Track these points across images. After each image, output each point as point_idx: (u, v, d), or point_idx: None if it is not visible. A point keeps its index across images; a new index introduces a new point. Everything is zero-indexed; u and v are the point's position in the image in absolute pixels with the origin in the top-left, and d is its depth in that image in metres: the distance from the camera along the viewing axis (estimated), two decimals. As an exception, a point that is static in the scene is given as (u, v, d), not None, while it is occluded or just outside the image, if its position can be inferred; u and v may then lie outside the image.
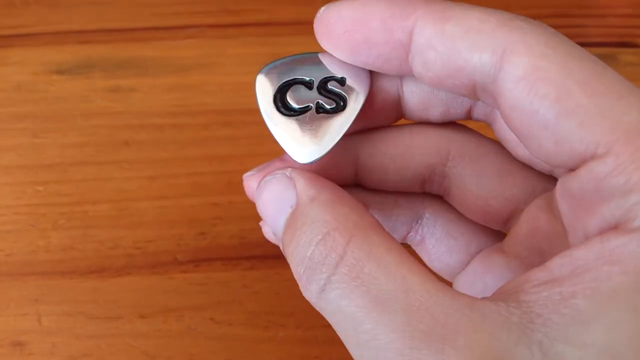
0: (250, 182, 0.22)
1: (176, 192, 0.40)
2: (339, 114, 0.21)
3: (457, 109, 0.23)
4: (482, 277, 0.23)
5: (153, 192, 0.40)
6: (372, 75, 0.22)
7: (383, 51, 0.20)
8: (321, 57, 0.22)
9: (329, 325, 0.34)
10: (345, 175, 0.23)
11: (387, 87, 0.22)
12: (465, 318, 0.16)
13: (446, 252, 0.24)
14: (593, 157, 0.17)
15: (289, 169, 0.20)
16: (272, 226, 0.20)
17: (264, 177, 0.21)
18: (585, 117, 0.17)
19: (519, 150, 0.22)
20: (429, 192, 0.24)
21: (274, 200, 0.20)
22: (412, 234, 0.25)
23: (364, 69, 0.22)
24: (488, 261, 0.23)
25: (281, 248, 0.20)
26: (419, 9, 0.19)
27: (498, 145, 0.23)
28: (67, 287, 0.36)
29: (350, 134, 0.23)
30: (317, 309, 0.18)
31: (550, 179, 0.22)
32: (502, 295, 0.16)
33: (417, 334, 0.16)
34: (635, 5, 0.51)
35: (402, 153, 0.23)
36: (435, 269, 0.25)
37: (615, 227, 0.16)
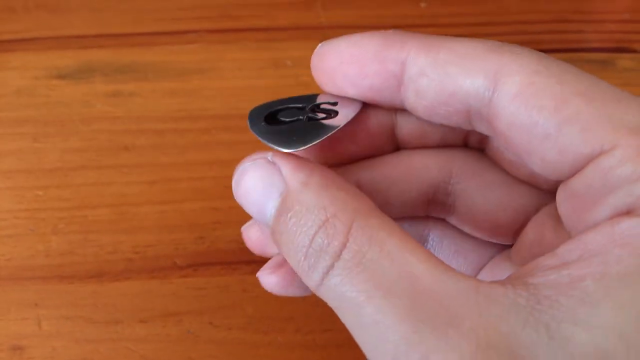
0: (250, 232, 0.24)
1: (176, 196, 0.40)
2: (327, 120, 0.22)
3: (453, 137, 0.23)
4: None
5: (153, 196, 0.40)
6: (366, 105, 0.22)
7: (376, 82, 0.21)
8: (319, 97, 0.23)
9: (328, 330, 0.35)
10: None
11: (381, 117, 0.23)
12: (471, 301, 0.16)
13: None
14: (600, 154, 0.17)
15: (270, 153, 0.20)
16: (257, 215, 0.19)
17: (241, 163, 0.20)
18: (587, 122, 0.17)
19: (518, 171, 0.22)
20: (431, 216, 0.24)
21: (258, 188, 0.19)
22: None
23: (357, 100, 0.22)
24: (496, 270, 0.23)
25: (269, 236, 0.19)
26: (412, 41, 0.20)
27: None
28: (67, 291, 0.36)
29: (349, 162, 0.23)
30: (318, 294, 0.18)
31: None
32: (510, 280, 0.16)
33: (421, 318, 0.15)
34: (632, 11, 0.52)
35: (402, 174, 0.23)
36: None
37: (626, 213, 0.16)
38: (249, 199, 0.20)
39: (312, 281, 0.18)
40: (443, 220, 0.24)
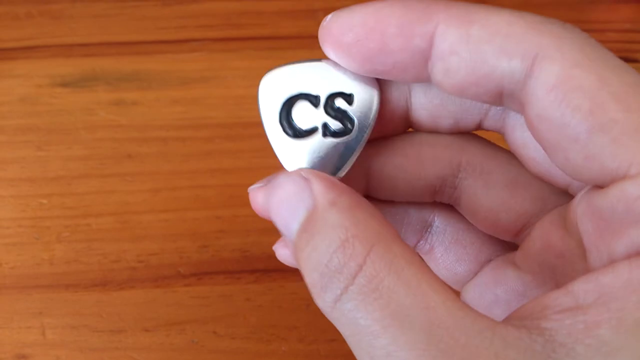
0: (257, 195, 0.21)
1: (179, 205, 0.40)
2: (347, 137, 0.21)
3: (467, 121, 0.22)
4: (493, 288, 0.23)
5: (156, 205, 0.40)
6: (381, 87, 0.21)
7: (400, 59, 0.19)
8: (326, 63, 0.21)
9: (331, 340, 0.35)
10: (356, 188, 0.22)
11: (395, 98, 0.22)
12: (487, 342, 0.15)
13: (455, 261, 0.24)
14: (625, 177, 0.16)
15: (304, 169, 0.19)
16: (284, 229, 0.19)
17: (275, 177, 0.20)
18: (620, 133, 0.16)
19: (534, 163, 0.21)
20: (439, 202, 0.24)
21: (288, 202, 0.19)
22: (421, 242, 0.24)
23: (372, 80, 0.21)
24: (499, 273, 0.23)
25: (291, 251, 0.19)
26: (440, 12, 0.18)
27: (510, 156, 0.23)
28: (71, 300, 0.36)
29: None
30: (329, 318, 0.17)
31: (563, 194, 0.22)
32: (523, 320, 0.16)
33: (437, 354, 0.15)
34: (634, 21, 0.52)
35: (413, 164, 0.22)
36: (442, 278, 0.23)
37: None
38: (279, 214, 0.19)
39: (324, 303, 0.17)
40: (450, 207, 0.24)
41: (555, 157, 0.18)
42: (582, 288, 0.16)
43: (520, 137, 0.21)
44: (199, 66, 0.48)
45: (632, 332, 0.15)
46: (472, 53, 0.18)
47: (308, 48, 0.49)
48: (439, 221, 0.24)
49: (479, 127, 0.23)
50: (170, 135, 0.44)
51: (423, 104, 0.22)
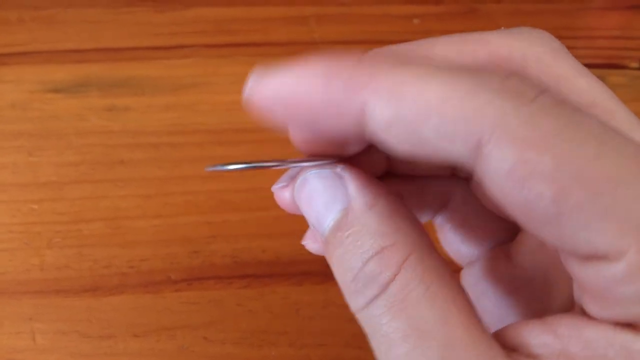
0: (284, 193, 0.21)
1: (170, 210, 0.40)
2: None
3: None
4: (485, 280, 0.23)
5: (147, 210, 0.40)
6: None
7: (337, 126, 0.17)
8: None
9: (321, 344, 0.35)
10: (378, 166, 0.22)
11: None
12: None
13: (460, 242, 0.24)
14: (604, 259, 0.15)
15: (340, 166, 0.19)
16: (315, 224, 0.19)
17: (307, 170, 0.19)
18: (589, 218, 0.15)
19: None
20: (457, 175, 0.23)
21: (321, 197, 0.19)
22: (436, 217, 0.24)
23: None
24: (494, 264, 0.23)
25: (321, 244, 0.19)
26: (367, 84, 0.16)
27: None
28: (62, 305, 0.36)
29: None
30: (357, 317, 0.18)
31: None
32: (513, 354, 0.17)
33: None
34: (623, 27, 0.52)
35: None
36: (448, 252, 0.24)
37: (629, 325, 0.16)
38: (310, 205, 0.19)
39: (355, 304, 0.18)
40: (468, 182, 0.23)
41: (527, 228, 0.17)
42: (566, 333, 0.16)
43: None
44: (191, 72, 0.48)
45: None
46: (410, 134, 0.16)
47: (299, 55, 0.49)
48: (454, 200, 0.24)
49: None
50: (162, 141, 0.44)
51: None
